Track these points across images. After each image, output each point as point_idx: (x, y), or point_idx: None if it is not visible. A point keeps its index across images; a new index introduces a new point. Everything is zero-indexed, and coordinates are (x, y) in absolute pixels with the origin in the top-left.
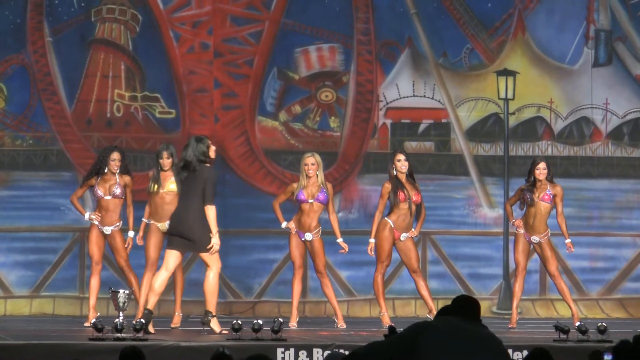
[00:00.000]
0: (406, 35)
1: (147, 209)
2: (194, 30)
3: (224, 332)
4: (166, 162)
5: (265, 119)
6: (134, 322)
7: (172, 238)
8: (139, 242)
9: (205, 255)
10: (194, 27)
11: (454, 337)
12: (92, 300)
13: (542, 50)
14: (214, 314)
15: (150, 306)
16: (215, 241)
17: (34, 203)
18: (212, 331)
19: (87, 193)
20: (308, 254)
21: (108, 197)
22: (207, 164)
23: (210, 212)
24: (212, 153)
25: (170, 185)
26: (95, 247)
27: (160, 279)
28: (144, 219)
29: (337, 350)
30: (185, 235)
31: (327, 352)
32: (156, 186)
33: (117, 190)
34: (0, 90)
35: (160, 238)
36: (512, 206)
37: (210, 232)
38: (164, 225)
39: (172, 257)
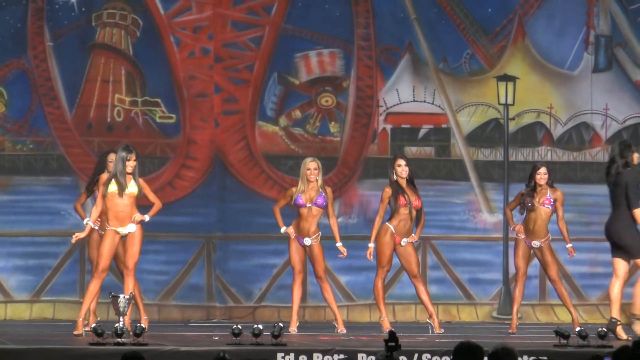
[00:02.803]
0: (406, 40)
1: (96, 211)
2: (194, 35)
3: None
4: (133, 163)
5: (265, 124)
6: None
7: (613, 247)
8: (74, 240)
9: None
10: (195, 32)
11: None
12: (93, 305)
13: (542, 55)
14: (620, 321)
15: (615, 314)
16: None
17: (35, 208)
18: (616, 338)
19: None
20: (308, 259)
21: None
22: (629, 168)
23: (638, 214)
24: (634, 159)
25: (130, 188)
26: (95, 252)
27: (616, 287)
28: (89, 222)
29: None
30: (618, 243)
31: (327, 357)
32: (119, 188)
33: None
34: (1, 95)
35: (116, 244)
36: (512, 211)
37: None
38: (125, 229)
39: (619, 265)
